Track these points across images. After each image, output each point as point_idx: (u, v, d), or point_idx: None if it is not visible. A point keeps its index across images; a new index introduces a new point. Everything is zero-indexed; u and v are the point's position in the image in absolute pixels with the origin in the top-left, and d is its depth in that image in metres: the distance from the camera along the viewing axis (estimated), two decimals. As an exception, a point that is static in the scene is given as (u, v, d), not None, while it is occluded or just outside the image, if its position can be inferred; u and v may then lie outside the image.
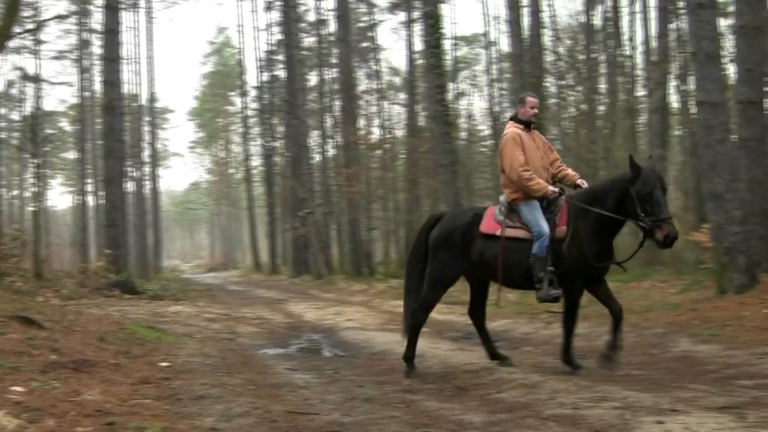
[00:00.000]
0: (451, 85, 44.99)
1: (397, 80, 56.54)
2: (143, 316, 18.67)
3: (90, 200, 58.96)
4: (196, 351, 12.87)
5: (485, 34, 51.61)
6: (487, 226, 10.58)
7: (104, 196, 35.99)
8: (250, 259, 68.52)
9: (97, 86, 52.23)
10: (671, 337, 12.19)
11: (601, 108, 32.52)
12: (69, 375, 9.13)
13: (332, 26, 49.45)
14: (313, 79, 56.25)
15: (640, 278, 20.71)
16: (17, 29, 33.64)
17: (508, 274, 10.42)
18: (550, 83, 34.98)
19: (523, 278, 10.34)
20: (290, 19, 46.08)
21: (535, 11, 32.52)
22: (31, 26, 47.21)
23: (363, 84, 54.02)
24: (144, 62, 58.49)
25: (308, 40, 54.46)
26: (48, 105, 69.70)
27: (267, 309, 23.60)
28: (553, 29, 37.17)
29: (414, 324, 11.11)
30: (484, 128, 50.60)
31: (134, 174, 55.23)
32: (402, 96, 53.32)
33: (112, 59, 33.32)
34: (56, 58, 56.75)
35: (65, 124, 68.52)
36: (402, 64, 58.32)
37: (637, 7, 36.22)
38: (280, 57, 53.55)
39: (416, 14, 43.27)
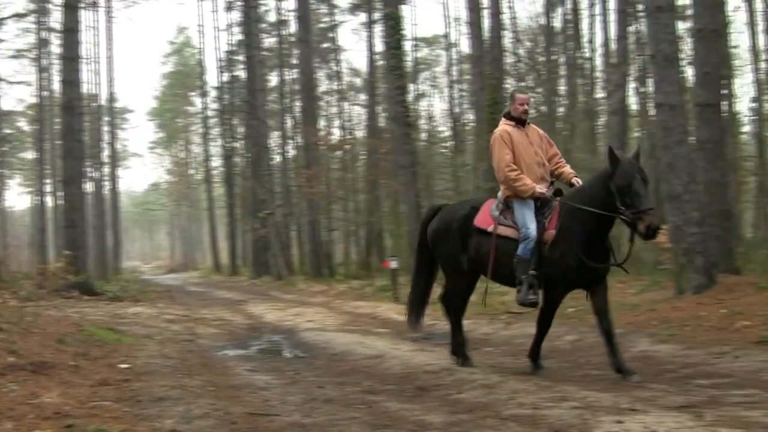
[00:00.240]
0: (411, 87, 45.03)
1: (358, 81, 56.63)
2: (102, 318, 18.55)
3: (48, 201, 58.39)
4: (155, 352, 12.82)
5: (446, 36, 51.71)
6: (481, 220, 10.56)
7: (63, 196, 35.63)
8: (210, 260, 68.28)
9: (56, 85, 51.74)
10: (630, 337, 12.26)
11: (561, 109, 32.70)
12: (27, 377, 9.08)
13: (293, 27, 49.36)
14: (273, 79, 56.18)
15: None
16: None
17: (498, 270, 10.38)
18: (510, 85, 35.02)
19: (511, 277, 10.23)
20: (251, 20, 45.96)
21: (496, 13, 32.60)
22: (-12, 24, 46.81)
23: (323, 85, 54.10)
24: (103, 62, 57.84)
25: (269, 41, 54.38)
26: (6, 104, 68.69)
27: (227, 310, 23.54)
28: (513, 31, 37.29)
29: (454, 314, 11.36)
30: (445, 129, 50.84)
31: (93, 174, 54.82)
32: (362, 97, 53.36)
33: (71, 58, 33.02)
34: (14, 56, 56.12)
35: (23, 124, 67.83)
36: (362, 65, 58.63)
37: (597, 9, 36.36)
38: (241, 57, 53.36)
39: (377, 15, 43.32)
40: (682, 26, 28.46)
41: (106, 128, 60.56)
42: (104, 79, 58.89)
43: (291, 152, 52.88)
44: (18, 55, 55.95)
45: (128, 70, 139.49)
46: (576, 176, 10.55)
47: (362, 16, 51.11)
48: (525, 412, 7.90)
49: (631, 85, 32.00)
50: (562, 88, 34.53)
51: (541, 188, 10.21)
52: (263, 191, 43.48)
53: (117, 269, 56.40)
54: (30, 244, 54.07)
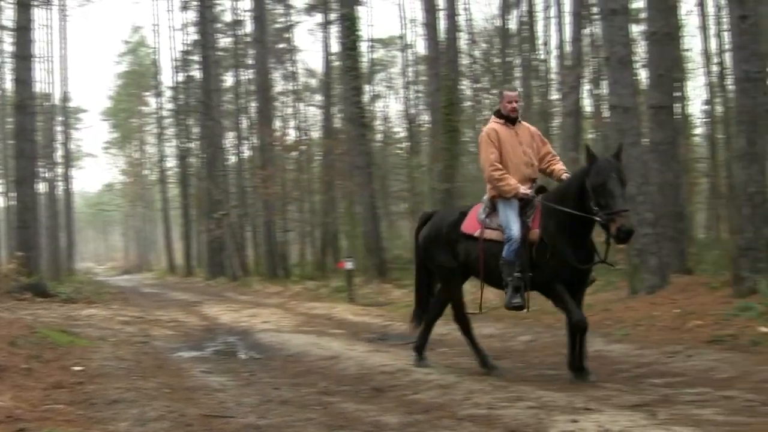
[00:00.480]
0: (367, 88, 45.17)
1: (314, 82, 56.57)
2: (56, 320, 18.40)
3: (0, 201, 57.97)
4: (109, 354, 12.75)
5: (402, 37, 51.68)
6: (468, 225, 10.38)
7: (15, 197, 35.35)
8: (164, 261, 67.96)
9: (8, 84, 51.33)
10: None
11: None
12: (-21, 380, 9.00)
13: (249, 27, 49.12)
14: (228, 80, 55.84)
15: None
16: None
17: (490, 275, 10.19)
18: (465, 86, 35.27)
19: (501, 280, 10.01)
20: (206, 20, 45.84)
21: (452, 15, 32.72)
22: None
23: (279, 85, 53.92)
24: (57, 60, 57.24)
25: (224, 41, 54.07)
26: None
27: (182, 311, 23.42)
28: (469, 33, 37.51)
29: (461, 327, 11.09)
30: (400, 130, 50.88)
31: (47, 175, 54.30)
32: (318, 98, 53.27)
33: (23, 57, 32.73)
34: (-36, 55, 55.66)
35: (-26, 123, 67.24)
36: (318, 65, 58.48)
37: (552, 12, 36.63)
38: (196, 57, 53.08)
39: (333, 16, 43.27)
40: (636, 29, 28.73)
41: (59, 128, 60.05)
42: (57, 78, 58.24)
43: (246, 153, 52.68)
44: (-32, 53, 55.44)
45: (82, 69, 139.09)
46: (566, 173, 10.26)
47: (318, 17, 50.99)
48: (481, 412, 7.93)
49: (586, 87, 32.29)
50: (517, 90, 34.64)
51: (525, 189, 10.00)
52: (218, 192, 43.36)
53: (70, 270, 55.86)
54: (-19, 245, 53.60)
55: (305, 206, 45.42)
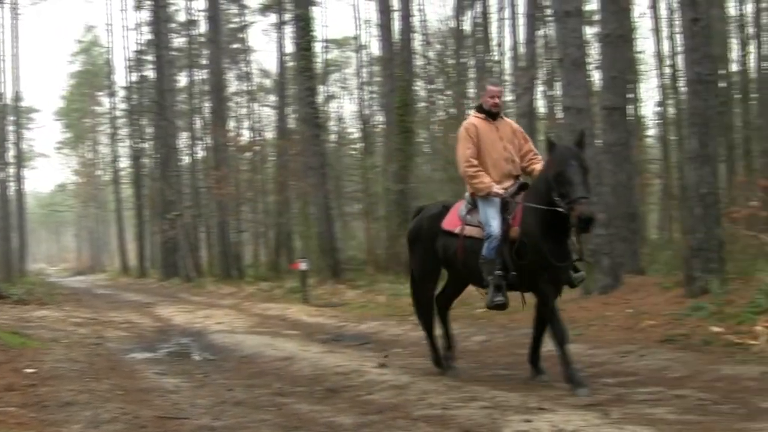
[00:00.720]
0: (321, 88, 45.13)
1: (268, 82, 56.50)
2: (7, 321, 18.24)
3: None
4: (62, 356, 12.66)
5: (356, 38, 51.80)
6: (448, 222, 10.09)
7: (-34, 197, 35.08)
8: (118, 262, 67.52)
9: (-41, 84, 50.90)
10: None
11: (470, 112, 32.93)
12: (-72, 384, 8.92)
13: (203, 27, 49.02)
14: (182, 80, 55.63)
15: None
16: None
17: (472, 273, 9.93)
18: (419, 87, 35.28)
19: (482, 279, 9.70)
20: (160, 19, 45.56)
21: (406, 16, 32.80)
22: None
23: (233, 86, 53.83)
24: (8, 59, 56.61)
25: (178, 41, 53.83)
26: None
27: (135, 312, 23.29)
28: (423, 34, 37.53)
29: (424, 327, 10.90)
30: (354, 131, 50.91)
31: (-2, 175, 53.92)
32: (272, 98, 53.19)
33: (-26, 57, 32.49)
34: None
35: (-76, 123, 66.48)
36: (273, 66, 58.42)
37: (506, 13, 36.88)
38: (150, 57, 52.75)
39: (287, 16, 43.15)
40: (590, 31, 28.94)
41: (11, 128, 59.40)
42: (9, 78, 57.50)
43: (200, 153, 52.61)
44: None
45: (35, 68, 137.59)
46: None
47: (273, 17, 50.91)
48: (435, 413, 7.95)
49: (539, 89, 32.47)
50: (471, 91, 34.77)
51: (498, 188, 9.65)
52: (172, 192, 43.15)
53: (22, 271, 55.36)
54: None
55: (259, 207, 45.35)
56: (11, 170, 59.22)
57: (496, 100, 10.11)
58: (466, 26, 37.83)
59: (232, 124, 50.24)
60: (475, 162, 9.82)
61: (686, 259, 14.67)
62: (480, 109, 10.23)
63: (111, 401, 8.72)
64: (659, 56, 35.31)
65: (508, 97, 32.92)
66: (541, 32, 32.26)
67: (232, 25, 54.00)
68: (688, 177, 15.31)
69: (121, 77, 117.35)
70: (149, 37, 51.86)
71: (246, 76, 53.51)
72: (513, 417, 7.44)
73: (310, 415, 8.14)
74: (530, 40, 30.27)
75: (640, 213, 23.51)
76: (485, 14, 37.45)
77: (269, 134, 50.68)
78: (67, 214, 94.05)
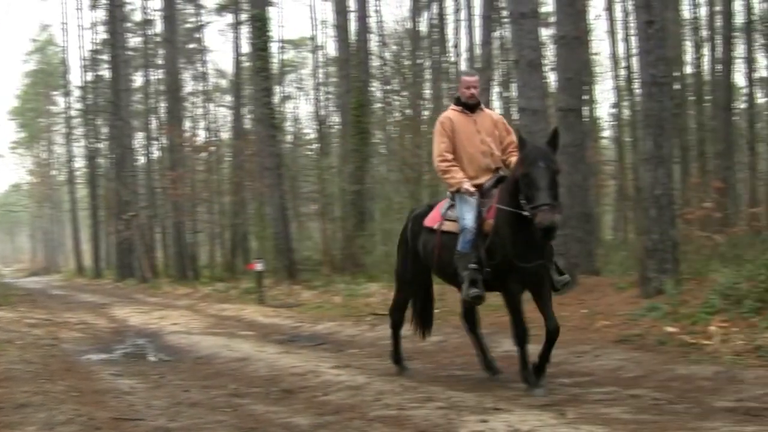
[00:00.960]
0: (277, 89, 45.09)
1: (224, 82, 56.39)
2: (-40, 323, 18.13)
3: None
4: (16, 358, 12.57)
5: (312, 38, 51.70)
6: (430, 219, 9.91)
7: None
8: (73, 262, 67.08)
9: None
10: (494, 337, 12.35)
11: (426, 113, 32.98)
12: None
13: (159, 27, 48.75)
14: (138, 79, 55.31)
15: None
16: None
17: (443, 270, 9.84)
18: (375, 88, 35.33)
19: (455, 276, 9.50)
20: (116, 19, 45.30)
21: (362, 16, 32.82)
22: None
23: (189, 86, 53.68)
24: (-39, 59, 56.39)
25: (134, 40, 53.57)
26: None
27: (90, 314, 23.14)
28: (379, 34, 37.58)
29: (391, 325, 10.83)
30: (310, 132, 50.87)
31: (-50, 175, 53.46)
32: (228, 98, 53.08)
33: (-74, 56, 32.16)
34: None
35: None
36: (229, 66, 58.16)
37: (462, 15, 37.04)
38: (105, 57, 52.53)
39: (243, 17, 43.06)
40: (546, 33, 29.06)
41: (-37, 128, 59.10)
42: (-38, 77, 57.37)
43: (156, 153, 52.36)
44: None
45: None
46: None
47: (229, 17, 50.73)
48: (391, 413, 7.97)
49: (495, 90, 32.59)
50: (428, 92, 34.87)
51: (468, 184, 9.37)
52: (127, 193, 42.91)
53: (-25, 272, 55.05)
54: None
55: (215, 207, 45.15)
56: (-36, 170, 58.77)
57: (472, 91, 9.78)
58: (423, 27, 37.97)
59: (187, 124, 50.14)
60: (450, 157, 9.62)
61: (641, 260, 14.80)
62: (457, 101, 9.94)
63: (66, 403, 8.68)
64: (614, 58, 35.62)
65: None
66: (497, 33, 32.37)
67: (188, 25, 53.80)
68: (643, 178, 15.44)
69: (76, 77, 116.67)
70: (105, 36, 51.62)
71: (202, 76, 53.36)
72: (469, 417, 7.47)
73: (266, 416, 8.14)
74: (486, 41, 30.32)
75: (595, 214, 23.63)
76: (441, 15, 37.61)
77: (225, 135, 50.57)
78: (22, 214, 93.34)
